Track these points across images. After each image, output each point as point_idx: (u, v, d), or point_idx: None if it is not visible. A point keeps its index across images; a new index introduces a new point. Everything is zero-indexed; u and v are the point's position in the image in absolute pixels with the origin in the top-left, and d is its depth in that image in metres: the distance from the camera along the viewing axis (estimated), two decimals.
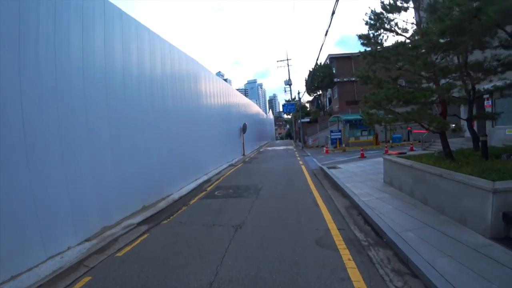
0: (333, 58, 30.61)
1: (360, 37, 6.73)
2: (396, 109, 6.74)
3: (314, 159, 15.67)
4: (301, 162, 14.83)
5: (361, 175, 9.34)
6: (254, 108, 34.84)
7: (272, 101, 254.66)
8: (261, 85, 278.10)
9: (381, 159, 13.18)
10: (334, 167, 11.64)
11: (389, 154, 8.51)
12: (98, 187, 5.53)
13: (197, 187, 10.17)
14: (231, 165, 16.04)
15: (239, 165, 15.59)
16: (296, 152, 21.62)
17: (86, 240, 5.03)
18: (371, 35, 6.61)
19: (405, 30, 6.50)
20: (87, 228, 5.16)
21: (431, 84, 6.87)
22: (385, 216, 5.04)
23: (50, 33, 4.54)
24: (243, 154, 21.84)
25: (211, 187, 9.95)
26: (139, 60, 7.41)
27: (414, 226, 4.47)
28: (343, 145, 19.15)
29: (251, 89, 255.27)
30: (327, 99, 35.08)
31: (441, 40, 5.44)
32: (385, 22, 6.42)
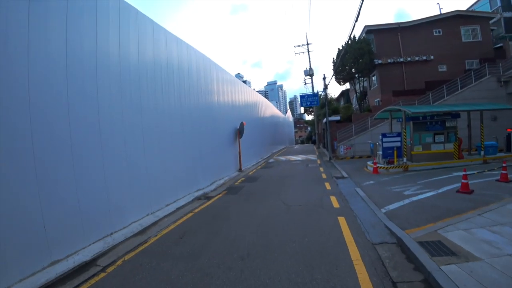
0: (371, 31, 22.22)
1: None
2: None
3: (360, 192, 7.84)
4: (335, 203, 7.02)
5: None
6: (267, 107, 27.26)
7: (293, 102, 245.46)
8: (281, 86, 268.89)
9: None
10: (452, 252, 3.81)
11: None
12: None
13: None
14: (201, 197, 8.63)
15: (212, 201, 8.12)
16: (321, 168, 13.73)
17: None
18: None
19: None
20: None
21: None
22: None
23: None
24: (239, 169, 14.35)
25: None
26: None
27: None
28: (404, 160, 11.09)
29: (271, 91, 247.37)
30: (360, 91, 26.65)
31: None
32: None
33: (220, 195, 8.81)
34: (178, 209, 7.34)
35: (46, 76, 4.21)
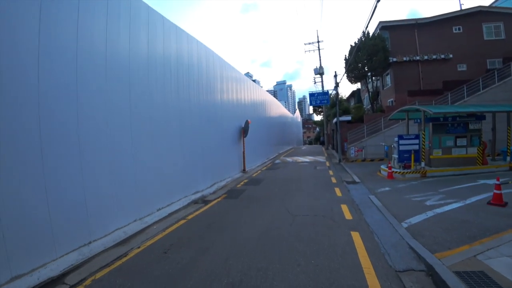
0: (386, 28, 21.08)
1: None
2: None
3: (375, 200, 6.98)
4: (347, 214, 6.17)
5: None
6: (275, 107, 26.38)
7: (302, 103, 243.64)
8: (290, 86, 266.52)
9: None
10: None
11: None
12: None
13: None
14: (198, 201, 7.92)
15: (209, 206, 7.38)
16: (330, 171, 12.84)
17: None
18: None
19: None
20: None
21: None
22: None
23: None
24: (243, 170, 13.61)
25: None
26: None
27: None
28: (422, 165, 10.11)
29: (280, 91, 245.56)
30: (372, 91, 25.49)
31: None
32: None
33: (219, 199, 8.07)
34: (170, 214, 6.63)
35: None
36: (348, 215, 5.77)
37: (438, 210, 5.85)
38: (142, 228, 5.75)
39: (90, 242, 4.78)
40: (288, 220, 5.59)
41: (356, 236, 4.59)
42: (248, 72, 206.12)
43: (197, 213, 6.68)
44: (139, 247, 4.73)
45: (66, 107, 4.38)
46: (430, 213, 5.69)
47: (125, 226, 5.60)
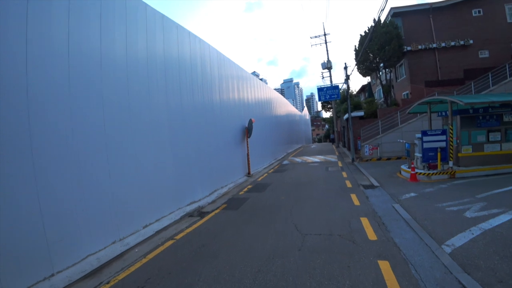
0: (398, 14, 19.55)
1: None
2: None
3: (401, 211, 5.81)
4: (370, 232, 4.98)
5: None
6: (282, 104, 25.20)
7: (310, 100, 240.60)
8: (297, 84, 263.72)
9: None
10: None
11: None
12: None
13: None
14: (193, 213, 6.95)
15: (204, 220, 6.37)
16: (343, 173, 11.62)
17: None
18: None
19: None
20: None
21: None
22: None
23: None
24: (248, 173, 12.57)
25: None
26: None
27: None
28: (450, 164, 8.83)
29: (288, 88, 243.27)
30: (384, 84, 23.94)
31: None
32: None
33: (217, 211, 7.05)
34: (157, 232, 5.67)
35: None
36: (371, 234, 4.64)
37: (485, 226, 4.66)
38: (120, 252, 4.80)
39: (52, 275, 3.88)
40: (296, 242, 4.50)
41: (385, 267, 3.48)
42: (254, 71, 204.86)
43: (188, 230, 5.67)
44: (108, 282, 3.76)
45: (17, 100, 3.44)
46: (475, 230, 4.50)
47: (100, 250, 4.68)
